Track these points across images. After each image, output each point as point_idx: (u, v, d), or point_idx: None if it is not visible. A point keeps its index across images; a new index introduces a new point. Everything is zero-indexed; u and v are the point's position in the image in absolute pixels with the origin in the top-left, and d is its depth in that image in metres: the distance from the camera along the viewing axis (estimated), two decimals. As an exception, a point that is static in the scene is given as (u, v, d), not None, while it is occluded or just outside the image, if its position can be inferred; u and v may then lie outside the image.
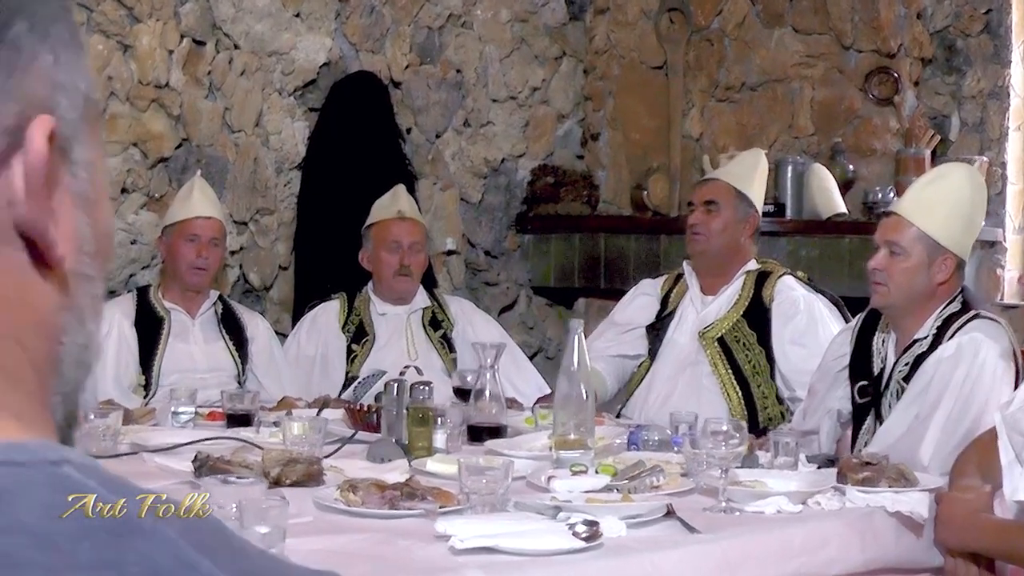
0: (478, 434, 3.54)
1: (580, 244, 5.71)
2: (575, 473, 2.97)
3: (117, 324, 4.39)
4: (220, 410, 3.81)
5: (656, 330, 4.52)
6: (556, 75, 6.00)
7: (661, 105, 5.77)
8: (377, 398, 3.67)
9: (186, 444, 3.15)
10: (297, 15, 5.13)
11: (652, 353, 4.51)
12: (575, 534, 2.35)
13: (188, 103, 4.85)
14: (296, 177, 5.19)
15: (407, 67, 5.49)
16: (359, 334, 4.77)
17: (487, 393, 3.62)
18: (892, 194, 5.48)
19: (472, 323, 4.90)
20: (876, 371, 3.65)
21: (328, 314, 4.81)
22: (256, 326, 4.67)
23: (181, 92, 4.82)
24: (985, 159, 4.32)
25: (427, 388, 3.29)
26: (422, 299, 4.85)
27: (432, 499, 2.62)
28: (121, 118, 4.67)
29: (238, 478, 2.65)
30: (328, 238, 5.22)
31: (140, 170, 4.76)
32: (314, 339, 4.80)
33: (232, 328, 4.58)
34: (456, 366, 4.75)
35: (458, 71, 5.67)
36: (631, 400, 4.48)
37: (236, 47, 4.97)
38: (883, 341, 3.67)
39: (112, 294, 4.61)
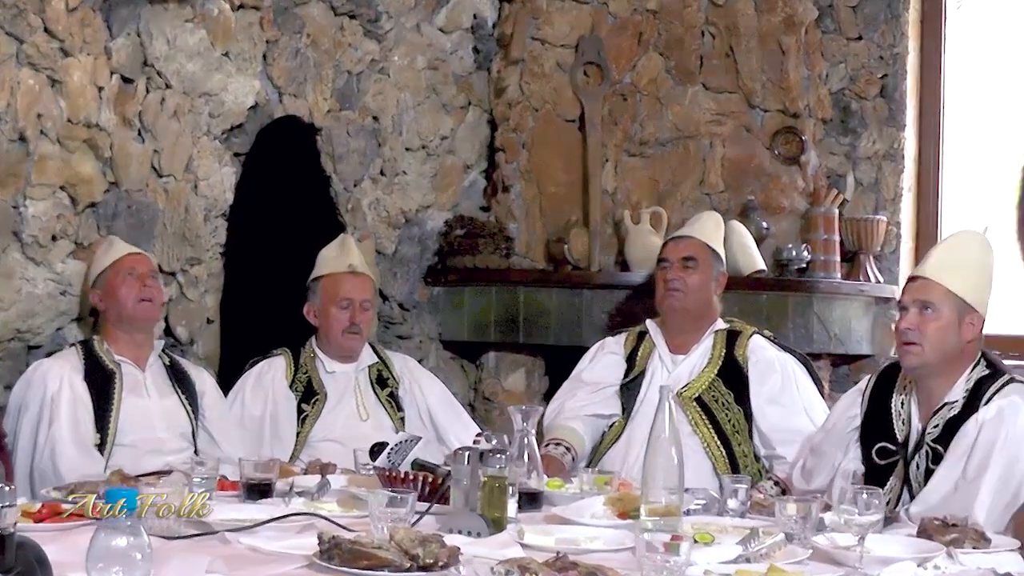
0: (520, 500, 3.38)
1: (496, 297, 5.57)
2: (700, 543, 2.87)
3: (68, 380, 4.03)
4: (226, 478, 3.55)
5: (629, 389, 4.45)
6: (463, 124, 5.87)
7: (575, 158, 5.71)
8: (413, 464, 3.48)
9: (265, 522, 2.89)
10: (226, 54, 4.85)
11: (626, 412, 4.44)
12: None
13: (118, 145, 4.51)
14: (221, 226, 4.89)
15: (328, 112, 5.27)
16: (308, 393, 4.52)
17: (527, 457, 3.48)
18: (805, 251, 5.58)
19: (418, 382, 4.71)
20: (899, 433, 3.66)
21: (274, 371, 4.53)
22: (204, 380, 4.37)
23: (111, 133, 4.48)
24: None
25: (502, 456, 3.11)
26: (368, 356, 4.64)
27: (608, 578, 2.49)
28: (51, 159, 4.30)
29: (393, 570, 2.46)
30: (257, 290, 4.94)
31: (68, 216, 4.39)
32: (260, 398, 4.51)
33: (182, 381, 4.28)
34: (404, 425, 4.56)
35: (375, 118, 5.48)
36: (605, 459, 4.38)
37: (168, 86, 4.65)
38: (903, 403, 3.70)
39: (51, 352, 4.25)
